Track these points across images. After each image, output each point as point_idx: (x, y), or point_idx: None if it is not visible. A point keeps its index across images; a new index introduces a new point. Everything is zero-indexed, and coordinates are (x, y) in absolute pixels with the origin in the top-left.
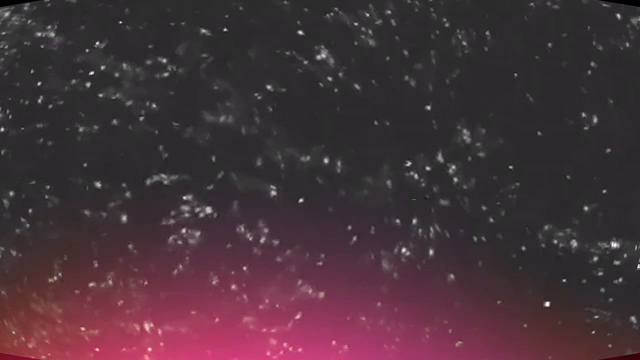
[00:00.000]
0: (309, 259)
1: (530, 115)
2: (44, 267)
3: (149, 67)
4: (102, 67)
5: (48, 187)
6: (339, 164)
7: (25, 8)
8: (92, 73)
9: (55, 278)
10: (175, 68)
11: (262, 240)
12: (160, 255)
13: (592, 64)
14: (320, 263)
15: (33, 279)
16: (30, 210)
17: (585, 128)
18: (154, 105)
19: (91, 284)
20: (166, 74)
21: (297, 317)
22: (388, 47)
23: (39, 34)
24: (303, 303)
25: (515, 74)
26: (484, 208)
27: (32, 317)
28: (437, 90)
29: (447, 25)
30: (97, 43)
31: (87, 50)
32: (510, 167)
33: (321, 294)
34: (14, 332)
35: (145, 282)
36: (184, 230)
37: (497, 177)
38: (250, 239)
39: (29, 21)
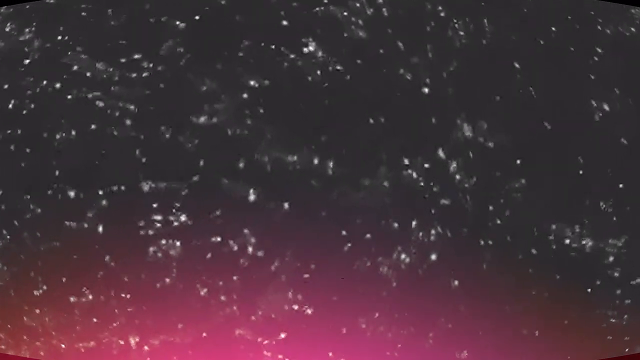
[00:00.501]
0: (300, 268)
1: (536, 106)
2: (26, 281)
3: (126, 67)
4: (78, 69)
5: (27, 196)
6: (330, 164)
7: (2, 10)
8: (67, 75)
9: (41, 291)
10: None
11: (250, 249)
12: (144, 266)
13: (599, 49)
14: (313, 271)
15: (16, 292)
16: (10, 221)
17: (597, 118)
18: (131, 107)
19: (72, 299)
20: (146, 74)
21: (289, 330)
22: (381, 39)
23: (15, 37)
24: (295, 315)
25: (517, 65)
26: (490, 208)
27: (17, 331)
28: (435, 83)
29: (442, 14)
30: (77, 46)
31: (69, 53)
32: (518, 161)
33: (314, 305)
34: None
35: (129, 296)
36: (164, 241)
37: (502, 173)
38: (236, 247)
39: (7, 23)
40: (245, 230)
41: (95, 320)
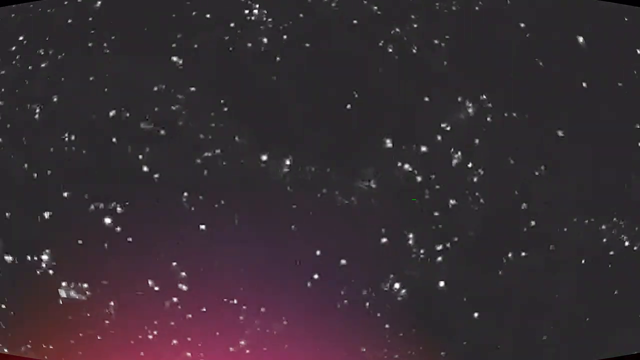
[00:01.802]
0: (255, 307)
1: (554, 70)
2: None
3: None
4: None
5: None
6: (288, 162)
7: None
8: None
9: None
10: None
11: (185, 285)
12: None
13: None
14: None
15: None
16: None
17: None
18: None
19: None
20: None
21: None
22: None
23: None
24: None
25: (523, 24)
26: (523, 206)
27: None
28: (425, 55)
29: None
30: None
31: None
32: (560, 133)
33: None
34: None
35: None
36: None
37: (519, 161)
38: (157, 288)
39: None
40: (174, 263)
41: None
